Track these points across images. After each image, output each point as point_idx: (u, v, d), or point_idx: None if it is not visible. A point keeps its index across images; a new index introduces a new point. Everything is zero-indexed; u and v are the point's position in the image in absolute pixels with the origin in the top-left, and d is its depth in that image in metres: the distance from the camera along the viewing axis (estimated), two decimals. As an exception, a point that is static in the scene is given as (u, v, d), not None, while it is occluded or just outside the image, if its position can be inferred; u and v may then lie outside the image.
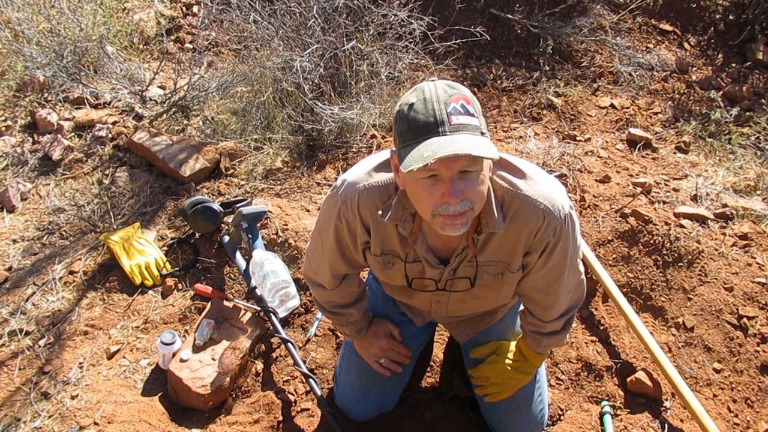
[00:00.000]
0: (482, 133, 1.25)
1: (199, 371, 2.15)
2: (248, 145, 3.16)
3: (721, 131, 3.43)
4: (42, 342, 2.31)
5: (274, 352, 2.30)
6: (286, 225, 2.64)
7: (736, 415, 2.14)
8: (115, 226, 2.76)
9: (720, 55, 4.08)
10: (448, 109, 1.22)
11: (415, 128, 1.24)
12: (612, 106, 3.63)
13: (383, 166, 1.49)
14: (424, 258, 1.53)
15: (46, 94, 3.43)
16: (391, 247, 1.55)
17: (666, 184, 2.88)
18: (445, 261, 1.54)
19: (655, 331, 2.36)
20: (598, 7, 4.19)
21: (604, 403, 2.14)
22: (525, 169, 1.43)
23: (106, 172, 3.05)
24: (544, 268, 1.52)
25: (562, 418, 2.12)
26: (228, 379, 2.16)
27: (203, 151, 3.04)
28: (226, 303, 2.39)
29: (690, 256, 2.49)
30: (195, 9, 4.25)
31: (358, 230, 1.55)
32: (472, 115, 1.25)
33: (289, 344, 2.19)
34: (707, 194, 2.82)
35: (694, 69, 3.97)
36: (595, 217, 2.68)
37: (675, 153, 3.24)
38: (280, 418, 2.09)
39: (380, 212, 1.45)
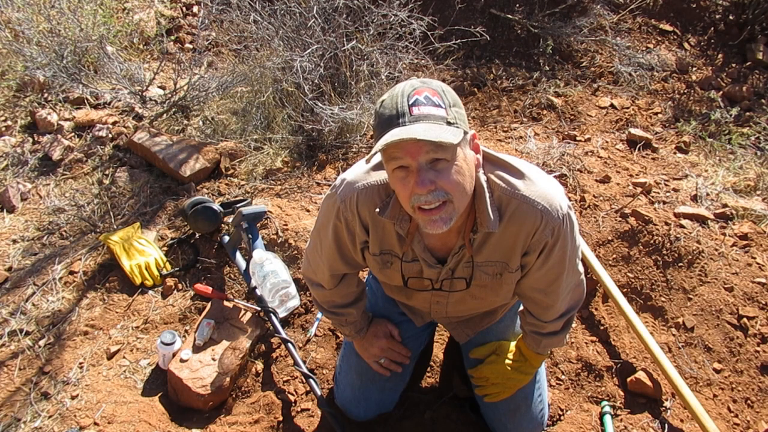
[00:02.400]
0: (449, 123, 1.26)
1: (199, 371, 2.15)
2: (248, 145, 3.16)
3: (721, 131, 3.43)
4: (42, 342, 2.31)
5: (274, 352, 2.30)
6: (286, 225, 2.64)
7: (736, 415, 2.14)
8: (115, 226, 2.76)
9: (720, 55, 4.08)
10: (410, 102, 1.26)
11: (381, 122, 1.29)
12: (612, 106, 3.63)
13: (382, 166, 1.49)
14: (422, 257, 1.53)
15: (46, 94, 3.43)
16: (389, 246, 1.55)
17: (666, 184, 2.88)
18: (443, 260, 1.54)
19: (655, 331, 2.36)
20: (598, 7, 4.19)
21: (604, 403, 2.14)
22: (523, 169, 1.44)
23: (106, 172, 3.05)
24: (543, 268, 1.52)
25: (562, 418, 2.12)
26: (228, 379, 2.16)
27: (203, 151, 3.04)
28: (226, 303, 2.39)
29: (690, 256, 2.49)
30: (195, 9, 4.25)
31: (357, 229, 1.55)
32: (438, 106, 1.27)
33: (289, 344, 2.19)
34: (707, 194, 2.82)
35: (694, 69, 3.97)
36: (595, 217, 2.68)
37: (675, 153, 3.24)
38: (280, 418, 2.09)
39: (378, 210, 1.46)
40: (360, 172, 1.51)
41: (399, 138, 1.21)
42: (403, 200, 1.33)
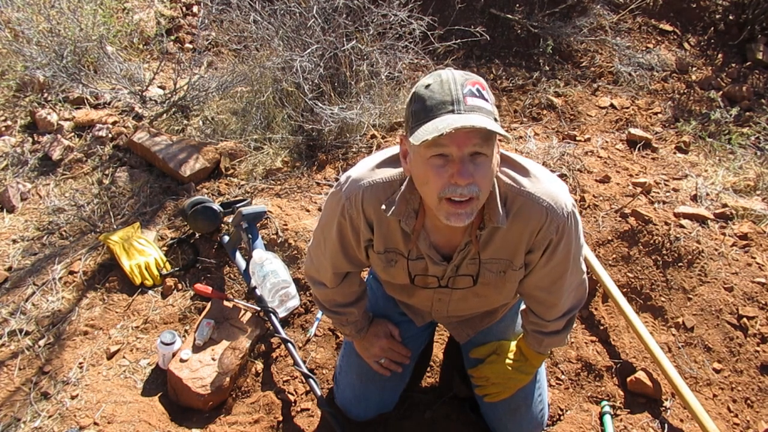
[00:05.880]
0: (495, 119, 1.27)
1: (199, 371, 2.15)
2: (248, 145, 3.16)
3: (721, 131, 3.43)
4: (42, 342, 2.31)
5: (274, 352, 2.30)
6: (286, 225, 2.64)
7: (736, 415, 2.14)
8: (115, 226, 2.76)
9: (720, 55, 4.08)
10: (464, 90, 1.24)
11: (430, 106, 1.25)
12: (612, 106, 3.63)
13: (387, 163, 1.49)
14: (427, 255, 1.53)
15: (46, 94, 3.43)
16: (394, 244, 1.55)
17: (666, 184, 2.88)
18: (448, 258, 1.54)
19: (655, 331, 2.36)
20: (598, 7, 4.19)
21: (604, 403, 2.14)
22: (529, 167, 1.44)
23: (106, 172, 3.05)
24: (547, 267, 1.52)
25: (562, 418, 2.12)
26: (228, 379, 2.16)
27: (203, 151, 3.04)
28: (226, 303, 2.39)
29: (690, 256, 2.49)
30: (195, 9, 4.25)
31: (361, 227, 1.54)
32: (486, 100, 1.27)
33: (289, 344, 2.19)
34: (707, 194, 2.82)
35: (694, 69, 3.97)
36: (595, 217, 2.68)
37: (675, 153, 3.24)
38: (280, 418, 2.09)
39: (383, 207, 1.46)
40: (365, 169, 1.51)
41: (470, 124, 1.18)
42: (432, 189, 1.30)
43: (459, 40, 3.63)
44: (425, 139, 1.20)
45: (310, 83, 3.11)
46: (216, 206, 2.61)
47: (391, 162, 1.49)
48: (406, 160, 1.38)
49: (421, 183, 1.34)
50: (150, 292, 2.51)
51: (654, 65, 3.92)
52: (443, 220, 1.33)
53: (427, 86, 1.27)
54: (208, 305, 2.40)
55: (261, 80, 3.30)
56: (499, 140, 1.34)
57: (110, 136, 3.20)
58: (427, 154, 1.27)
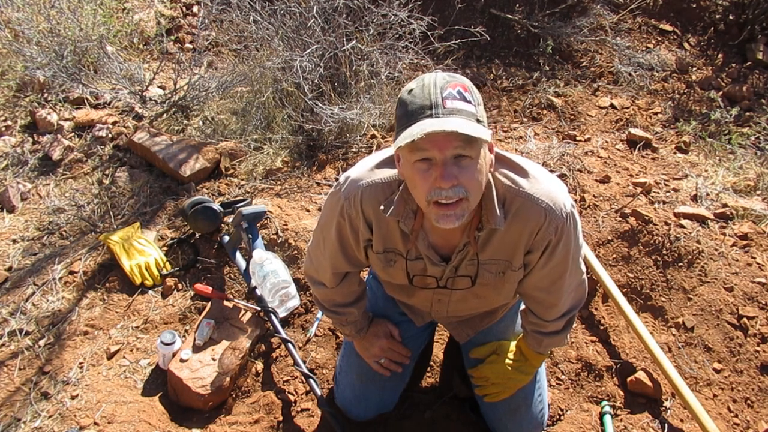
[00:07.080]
0: (478, 121, 1.27)
1: (199, 371, 2.15)
2: (248, 145, 3.16)
3: (721, 131, 3.43)
4: (42, 342, 2.31)
5: (274, 352, 2.30)
6: (286, 225, 2.64)
7: (736, 415, 2.14)
8: (115, 226, 2.76)
9: (720, 55, 4.08)
10: (443, 94, 1.26)
11: (411, 111, 1.27)
12: (612, 106, 3.63)
13: (386, 163, 1.50)
14: (426, 255, 1.53)
15: (46, 94, 3.43)
16: (393, 244, 1.55)
17: (666, 184, 2.88)
18: (447, 258, 1.54)
19: (655, 331, 2.36)
20: (598, 7, 4.19)
21: (604, 403, 2.14)
22: (527, 168, 1.44)
23: (106, 172, 3.05)
24: (546, 267, 1.52)
25: (562, 418, 2.12)
26: (228, 379, 2.16)
27: (203, 151, 3.04)
28: (226, 303, 2.39)
29: (690, 256, 2.49)
30: (195, 9, 4.25)
31: (360, 227, 1.55)
32: (468, 102, 1.27)
33: (289, 344, 2.19)
34: (707, 194, 2.82)
35: (694, 69, 3.97)
36: (595, 217, 2.68)
37: (675, 153, 3.24)
38: (280, 418, 2.09)
39: (382, 207, 1.46)
40: (364, 169, 1.51)
41: (440, 129, 1.19)
42: (420, 193, 1.31)
43: (459, 40, 3.63)
44: (400, 145, 1.24)
45: (310, 83, 3.11)
46: (216, 206, 2.61)
47: (390, 162, 1.49)
48: (399, 163, 1.39)
49: (411, 187, 1.36)
50: (150, 292, 2.52)
51: (654, 65, 3.92)
52: (434, 222, 1.34)
53: (410, 91, 1.29)
54: (208, 305, 2.40)
55: (261, 80, 3.30)
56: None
57: (110, 136, 3.20)
58: (412, 159, 1.29)
